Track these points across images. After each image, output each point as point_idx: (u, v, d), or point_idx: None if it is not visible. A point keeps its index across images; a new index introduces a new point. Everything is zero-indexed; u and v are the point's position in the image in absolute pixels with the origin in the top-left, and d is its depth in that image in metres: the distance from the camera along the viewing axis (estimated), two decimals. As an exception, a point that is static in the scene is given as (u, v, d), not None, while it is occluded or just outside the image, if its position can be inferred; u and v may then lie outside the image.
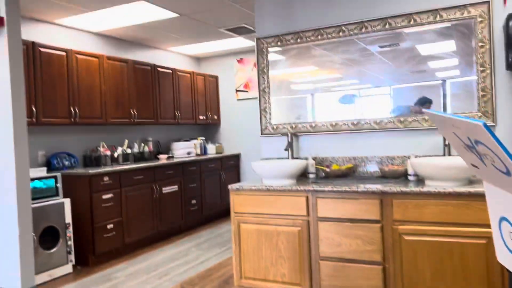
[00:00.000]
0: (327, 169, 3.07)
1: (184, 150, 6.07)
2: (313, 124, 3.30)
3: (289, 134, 3.30)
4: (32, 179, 3.73)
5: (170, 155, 5.89)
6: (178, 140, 6.29)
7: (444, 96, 2.91)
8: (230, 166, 6.61)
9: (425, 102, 2.95)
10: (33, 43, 4.08)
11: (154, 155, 5.76)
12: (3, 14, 3.31)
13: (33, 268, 3.43)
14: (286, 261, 2.79)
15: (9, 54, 3.33)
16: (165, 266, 4.13)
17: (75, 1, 3.99)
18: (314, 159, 3.26)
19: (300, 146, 3.38)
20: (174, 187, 5.38)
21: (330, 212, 2.65)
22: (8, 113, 3.33)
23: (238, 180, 6.78)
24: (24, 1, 3.86)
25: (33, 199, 3.69)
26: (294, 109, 3.42)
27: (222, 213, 6.39)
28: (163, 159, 5.60)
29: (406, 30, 2.95)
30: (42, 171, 4.02)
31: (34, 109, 4.03)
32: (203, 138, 6.64)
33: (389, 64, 3.05)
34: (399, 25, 2.95)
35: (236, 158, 6.79)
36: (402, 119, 2.98)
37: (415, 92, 3.00)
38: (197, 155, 6.27)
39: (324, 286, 2.68)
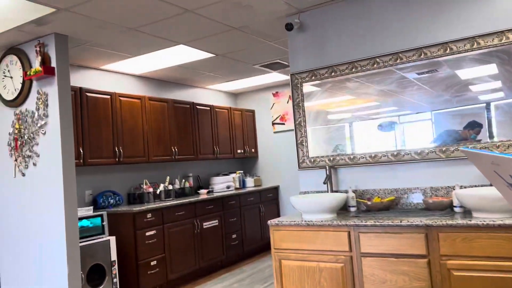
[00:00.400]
0: (369, 202, 3.01)
1: (223, 184, 6.14)
2: (352, 156, 3.27)
3: (327, 167, 3.28)
4: (80, 218, 3.89)
5: (210, 189, 5.97)
6: (217, 174, 6.38)
7: (489, 122, 2.82)
8: (269, 199, 6.60)
9: (475, 126, 2.85)
10: (80, 88, 4.34)
11: (194, 190, 5.86)
12: (54, 64, 3.57)
13: (81, 306, 3.52)
14: (330, 299, 2.72)
15: (59, 100, 3.56)
16: (207, 303, 4.12)
17: (120, 49, 4.23)
18: (354, 191, 3.22)
19: (340, 179, 3.34)
20: (215, 222, 5.42)
21: (374, 248, 2.58)
22: (58, 155, 3.52)
23: (277, 213, 6.74)
24: (73, 50, 4.13)
25: (81, 238, 3.83)
26: (331, 141, 3.41)
27: (263, 247, 6.34)
28: (203, 194, 5.68)
29: (443, 59, 2.92)
30: (89, 210, 4.18)
31: (81, 151, 4.23)
32: (242, 171, 6.70)
33: (429, 90, 3.00)
34: (435, 54, 2.93)
35: (275, 190, 6.78)
36: (444, 148, 2.91)
37: (458, 117, 2.92)
38: (236, 188, 6.32)
39: (371, 325, 2.58)
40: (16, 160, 3.79)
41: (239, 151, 6.58)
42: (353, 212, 3.06)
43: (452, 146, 2.88)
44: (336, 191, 3.32)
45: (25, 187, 3.74)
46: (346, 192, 3.24)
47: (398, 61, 3.07)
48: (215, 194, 5.61)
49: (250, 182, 6.67)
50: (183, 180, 5.69)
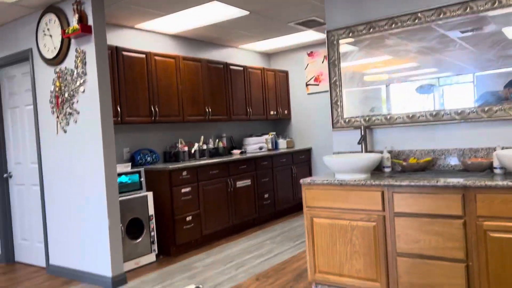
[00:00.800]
0: (404, 163, 2.97)
1: (256, 145, 6.18)
2: (388, 116, 3.20)
3: (362, 127, 3.23)
4: (119, 174, 4.04)
5: (242, 150, 6.04)
6: (250, 135, 6.42)
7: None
8: (302, 161, 6.61)
9: None
10: (116, 47, 4.39)
11: (228, 151, 5.94)
12: (91, 23, 3.61)
13: (122, 256, 3.72)
14: (361, 257, 2.75)
15: (96, 58, 3.62)
16: (240, 258, 4.25)
17: (154, 6, 4.23)
18: (389, 152, 3.17)
19: (375, 139, 3.29)
20: (247, 182, 5.50)
21: (407, 207, 2.57)
22: (97, 113, 3.63)
23: (309, 174, 6.76)
24: (109, 9, 4.16)
25: (120, 192, 4.00)
26: (367, 101, 3.33)
27: (295, 208, 6.42)
28: (236, 154, 5.75)
29: (490, 13, 2.74)
30: (127, 167, 4.33)
31: (119, 109, 4.34)
32: (274, 133, 6.70)
33: (472, 50, 2.86)
34: (481, 8, 2.76)
35: (308, 152, 6.77)
36: (486, 108, 2.79)
37: (502, 78, 2.78)
38: (268, 150, 6.35)
39: (402, 283, 2.61)
40: (57, 117, 3.94)
41: (272, 112, 6.56)
42: (388, 172, 3.02)
43: (495, 106, 2.76)
44: (371, 152, 3.28)
45: (67, 144, 3.89)
46: (381, 152, 3.20)
47: (441, 15, 2.91)
48: (248, 155, 5.66)
49: (282, 144, 6.69)
50: (217, 140, 5.76)
